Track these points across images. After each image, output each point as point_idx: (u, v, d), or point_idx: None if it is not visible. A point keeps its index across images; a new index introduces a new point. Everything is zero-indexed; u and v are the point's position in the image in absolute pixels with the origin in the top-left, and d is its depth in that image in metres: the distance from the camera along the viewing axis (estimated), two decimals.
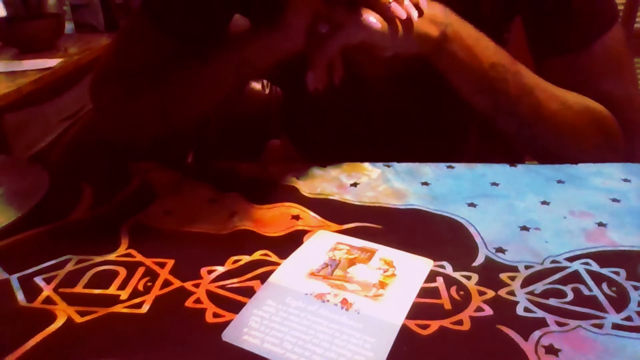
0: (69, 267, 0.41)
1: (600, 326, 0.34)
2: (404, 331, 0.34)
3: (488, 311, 0.35)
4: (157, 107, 0.59)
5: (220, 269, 0.40)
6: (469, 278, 0.39)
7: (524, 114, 0.54)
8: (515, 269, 0.39)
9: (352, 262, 0.40)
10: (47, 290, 0.38)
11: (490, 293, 0.37)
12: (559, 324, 0.34)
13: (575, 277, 0.39)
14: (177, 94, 0.58)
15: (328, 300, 0.36)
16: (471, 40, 0.52)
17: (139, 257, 0.42)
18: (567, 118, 0.55)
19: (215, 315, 0.35)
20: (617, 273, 0.39)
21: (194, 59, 0.57)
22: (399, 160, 0.57)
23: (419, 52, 0.51)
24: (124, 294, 0.37)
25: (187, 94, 0.58)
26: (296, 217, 0.47)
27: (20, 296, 0.38)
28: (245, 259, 0.41)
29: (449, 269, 0.40)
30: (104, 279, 0.39)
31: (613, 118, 0.58)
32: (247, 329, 0.34)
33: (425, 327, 0.34)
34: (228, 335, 0.33)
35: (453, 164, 0.56)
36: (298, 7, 0.47)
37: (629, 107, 0.59)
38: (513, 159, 0.57)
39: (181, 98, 0.59)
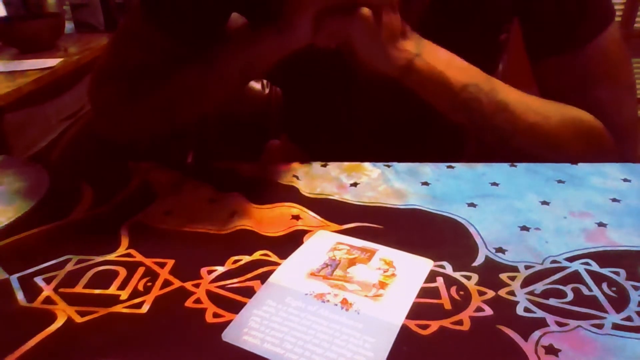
0: (69, 267, 0.41)
1: (600, 326, 0.34)
2: (404, 331, 0.34)
3: (488, 311, 0.35)
4: (159, 108, 0.59)
5: (220, 269, 0.40)
6: (469, 278, 0.39)
7: (500, 129, 0.55)
8: (515, 269, 0.39)
9: (352, 262, 0.40)
10: (47, 290, 0.38)
11: (490, 293, 0.37)
12: (559, 324, 0.34)
13: (575, 277, 0.39)
14: (180, 95, 0.58)
15: (328, 300, 0.36)
16: (442, 66, 0.52)
17: (139, 257, 0.42)
18: (547, 129, 0.56)
19: (215, 315, 0.35)
20: (617, 273, 0.39)
21: (197, 61, 0.57)
22: (399, 160, 0.57)
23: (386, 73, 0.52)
24: (124, 294, 0.37)
25: (191, 96, 0.58)
26: (296, 217, 0.47)
27: (20, 296, 0.37)
28: (245, 259, 0.41)
29: (449, 269, 0.40)
30: (104, 279, 0.39)
31: (601, 125, 0.58)
32: (247, 329, 0.34)
33: (425, 327, 0.34)
34: (228, 335, 0.33)
35: (453, 164, 0.56)
36: (300, 6, 0.47)
37: (619, 112, 0.59)
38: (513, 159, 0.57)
39: (185, 99, 0.58)
